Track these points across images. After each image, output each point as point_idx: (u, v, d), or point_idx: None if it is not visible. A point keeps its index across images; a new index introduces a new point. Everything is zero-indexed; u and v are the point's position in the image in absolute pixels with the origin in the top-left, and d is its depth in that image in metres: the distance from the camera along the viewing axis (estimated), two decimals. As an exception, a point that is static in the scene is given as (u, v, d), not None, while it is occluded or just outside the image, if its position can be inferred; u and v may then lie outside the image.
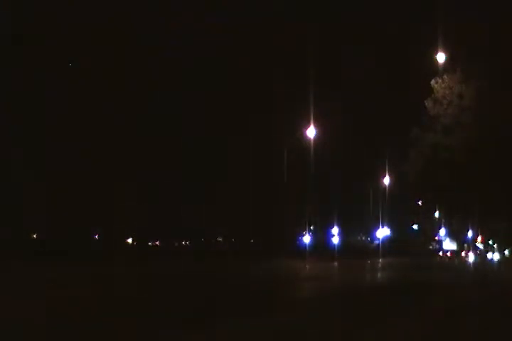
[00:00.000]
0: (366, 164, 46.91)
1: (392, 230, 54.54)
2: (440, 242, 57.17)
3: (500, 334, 10.24)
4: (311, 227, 52.53)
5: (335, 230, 53.46)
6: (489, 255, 51.09)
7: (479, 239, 51.74)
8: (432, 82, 41.77)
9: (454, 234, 53.41)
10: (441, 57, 41.28)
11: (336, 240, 53.59)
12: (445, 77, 41.63)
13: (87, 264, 28.20)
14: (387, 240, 53.96)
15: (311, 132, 43.00)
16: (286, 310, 12.91)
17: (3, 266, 24.44)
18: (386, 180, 48.86)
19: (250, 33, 44.23)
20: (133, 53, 41.87)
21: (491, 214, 42.67)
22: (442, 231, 54.43)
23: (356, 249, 52.43)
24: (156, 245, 49.87)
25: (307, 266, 35.97)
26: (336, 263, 38.58)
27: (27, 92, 38.70)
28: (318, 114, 42.59)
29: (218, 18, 44.44)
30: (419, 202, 49.16)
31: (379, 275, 30.49)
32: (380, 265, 40.38)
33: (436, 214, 51.01)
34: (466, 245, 51.89)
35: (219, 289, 17.82)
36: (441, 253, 54.66)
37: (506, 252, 49.90)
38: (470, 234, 50.11)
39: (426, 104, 41.80)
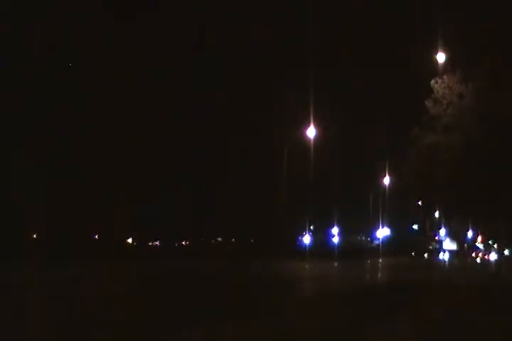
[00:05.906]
0: (366, 164, 46.93)
1: (392, 230, 54.53)
2: (440, 242, 57.17)
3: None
4: (311, 227, 52.55)
5: (335, 230, 53.49)
6: (491, 255, 51.09)
7: (479, 239, 51.77)
8: (432, 82, 41.69)
9: (454, 234, 53.41)
10: (441, 57, 41.23)
11: (336, 240, 53.61)
12: (445, 77, 41.59)
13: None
14: (387, 240, 53.97)
15: (311, 132, 43.02)
16: (285, 311, 12.92)
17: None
18: (386, 180, 48.82)
19: (250, 33, 44.26)
20: (133, 53, 41.87)
21: (491, 214, 42.62)
22: (442, 231, 54.44)
23: (356, 249, 52.40)
24: (156, 245, 49.85)
25: (307, 266, 35.94)
26: (336, 263, 38.59)
27: (27, 92, 38.69)
28: (318, 114, 42.61)
29: (218, 18, 44.49)
30: (419, 202, 49.12)
31: (379, 275, 30.49)
32: (380, 265, 40.40)
33: (436, 214, 50.98)
34: (466, 245, 51.91)
35: (221, 289, 17.83)
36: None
37: (506, 252, 49.90)
38: (470, 234, 50.14)
39: (426, 104, 41.76)
